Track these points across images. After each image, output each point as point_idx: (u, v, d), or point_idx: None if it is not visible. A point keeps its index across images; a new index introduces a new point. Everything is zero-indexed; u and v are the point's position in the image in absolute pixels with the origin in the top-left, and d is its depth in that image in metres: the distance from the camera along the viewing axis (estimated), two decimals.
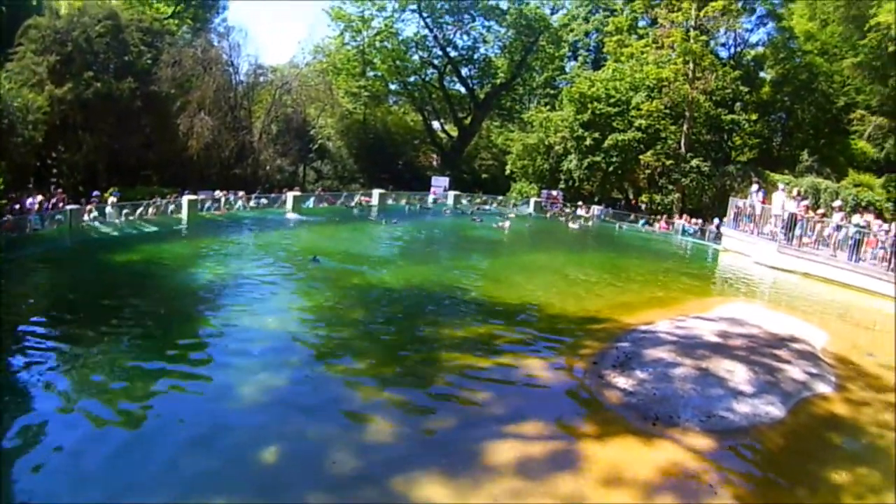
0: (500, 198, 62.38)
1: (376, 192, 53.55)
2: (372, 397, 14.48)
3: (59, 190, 39.90)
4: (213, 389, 14.42)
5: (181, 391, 14.28)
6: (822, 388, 16.76)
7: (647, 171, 59.23)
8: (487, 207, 58.54)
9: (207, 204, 43.32)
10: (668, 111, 58.72)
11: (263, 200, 47.49)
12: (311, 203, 50.51)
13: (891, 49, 49.37)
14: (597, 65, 72.77)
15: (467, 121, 78.23)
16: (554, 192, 61.12)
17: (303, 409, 13.63)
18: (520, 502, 10.88)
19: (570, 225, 51.41)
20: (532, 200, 59.91)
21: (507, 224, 45.10)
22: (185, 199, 39.97)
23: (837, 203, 39.85)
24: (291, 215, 44.45)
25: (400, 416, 13.55)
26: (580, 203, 59.29)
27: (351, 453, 11.94)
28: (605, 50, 68.29)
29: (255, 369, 15.33)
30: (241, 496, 10.67)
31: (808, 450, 13.80)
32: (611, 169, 59.10)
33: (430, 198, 59.11)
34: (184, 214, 38.78)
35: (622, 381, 15.91)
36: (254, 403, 13.69)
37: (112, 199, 38.94)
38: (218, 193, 46.70)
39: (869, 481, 12.49)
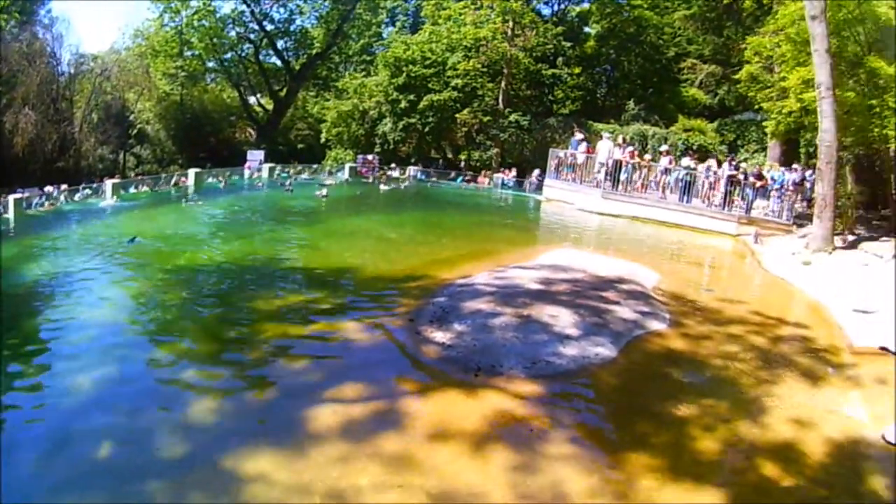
0: (315, 166, 61.71)
1: (192, 172, 52.43)
2: (197, 378, 13.70)
3: None
4: (41, 387, 13.40)
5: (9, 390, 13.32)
6: (656, 325, 16.74)
7: (465, 129, 59.96)
8: (304, 177, 58.01)
9: (35, 200, 41.56)
10: (485, 69, 60.09)
11: (87, 191, 45.69)
12: (131, 189, 49.18)
13: (726, 1, 51.07)
14: (415, 29, 73.61)
15: (283, 93, 78.82)
16: (370, 157, 61.34)
17: (130, 398, 12.76)
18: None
19: (382, 187, 51.12)
20: (347, 166, 59.74)
21: (324, 192, 44.65)
22: (11, 198, 38.22)
23: (664, 147, 40.87)
24: (109, 203, 42.92)
25: (225, 394, 12.85)
26: (393, 165, 59.54)
27: (180, 436, 11.22)
28: (423, 14, 69.33)
29: (82, 362, 14.27)
30: (76, 495, 9.89)
31: (646, 387, 13.68)
32: (426, 129, 60.12)
33: (246, 172, 58.34)
34: (10, 214, 37.12)
35: (440, 336, 15.43)
36: (82, 398, 12.72)
37: None
38: (49, 189, 45.16)
39: (717, 412, 12.42)
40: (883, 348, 15.99)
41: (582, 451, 10.97)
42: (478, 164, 60.32)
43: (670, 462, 10.72)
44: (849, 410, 12.97)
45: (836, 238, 27.71)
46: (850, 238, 28.91)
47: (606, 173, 36.66)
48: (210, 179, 53.48)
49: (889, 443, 11.50)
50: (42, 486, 10.11)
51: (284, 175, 56.47)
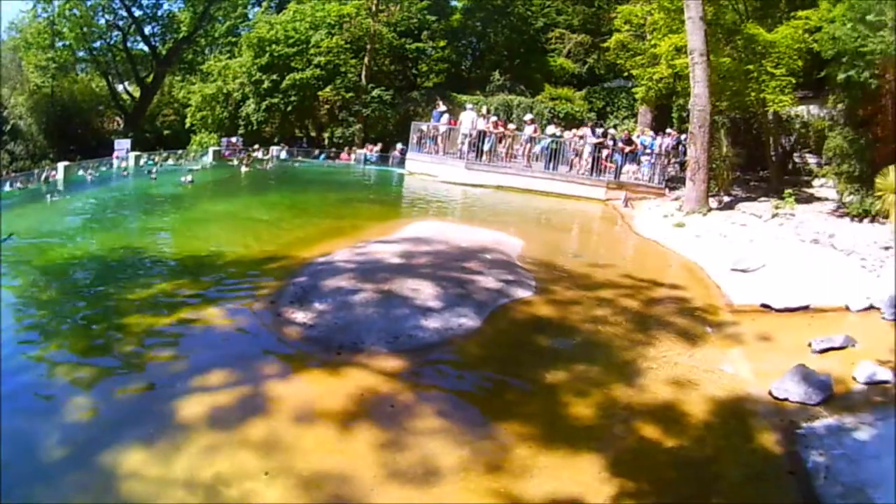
0: (180, 152, 60.98)
1: (61, 166, 51.36)
2: (67, 376, 13.22)
3: None
4: None
5: None
6: (522, 293, 16.72)
7: (328, 107, 59.88)
8: (170, 164, 57.27)
9: None
10: (348, 46, 60.21)
11: None
12: (6, 188, 48.01)
13: None
14: (281, 9, 72.91)
15: (149, 79, 77.73)
16: (233, 139, 60.92)
17: (6, 403, 12.41)
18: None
19: (243, 169, 50.63)
20: (211, 150, 58.94)
21: (189, 178, 44.03)
22: None
23: (528, 117, 41.09)
24: None
25: (94, 390, 12.36)
26: (256, 146, 58.84)
27: (57, 438, 10.77)
28: None
29: None
30: None
31: (514, 356, 13.55)
32: (289, 108, 60.03)
33: (114, 162, 57.39)
34: None
35: (301, 316, 15.11)
36: None
37: None
38: None
39: (589, 376, 12.28)
40: (764, 305, 16.19)
41: (451, 424, 10.72)
42: (341, 140, 60.11)
43: (544, 430, 10.52)
44: (730, 368, 13.00)
45: (711, 200, 28.10)
46: (727, 199, 29.40)
47: (470, 144, 36.81)
48: (80, 172, 52.69)
49: (776, 398, 11.51)
50: None
51: (150, 163, 55.39)
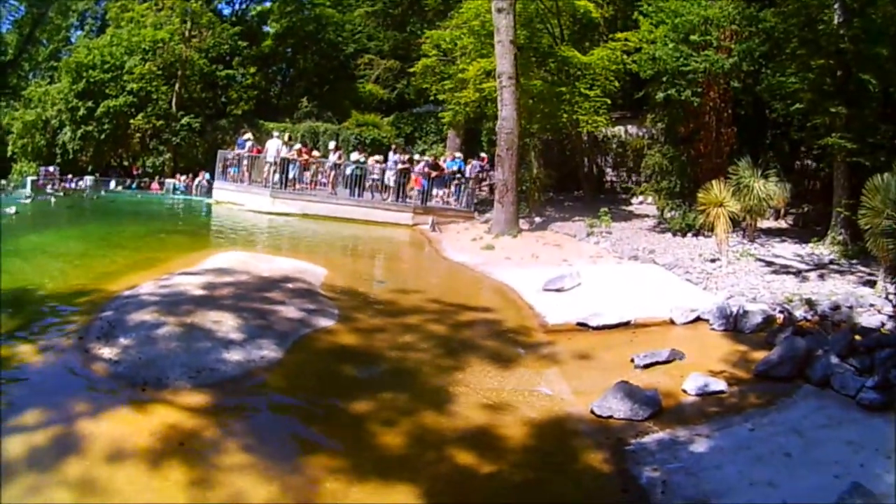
0: (2, 181, 59.28)
1: None
2: None
3: None
4: None
5: None
6: (324, 322, 16.76)
7: (139, 135, 59.49)
8: None
9: None
10: (160, 72, 60.02)
11: None
12: None
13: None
14: (102, 32, 71.77)
15: None
16: (51, 169, 59.70)
17: None
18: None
19: (52, 200, 49.36)
20: (29, 180, 57.57)
21: (13, 210, 42.82)
22: None
23: (332, 144, 41.59)
24: None
25: None
26: (70, 176, 58.00)
27: None
28: (108, 16, 68.87)
29: None
30: None
31: (317, 386, 13.53)
32: (103, 136, 59.29)
33: None
34: None
35: (107, 352, 14.65)
36: None
37: None
38: None
39: (397, 405, 12.28)
40: (580, 324, 16.34)
41: (258, 459, 10.55)
42: (152, 170, 59.50)
43: (353, 462, 10.44)
44: (547, 389, 13.03)
45: (522, 221, 28.49)
46: (539, 220, 29.95)
47: (275, 172, 36.89)
48: None
49: (599, 416, 11.55)
50: None
51: None
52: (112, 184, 57.04)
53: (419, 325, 16.51)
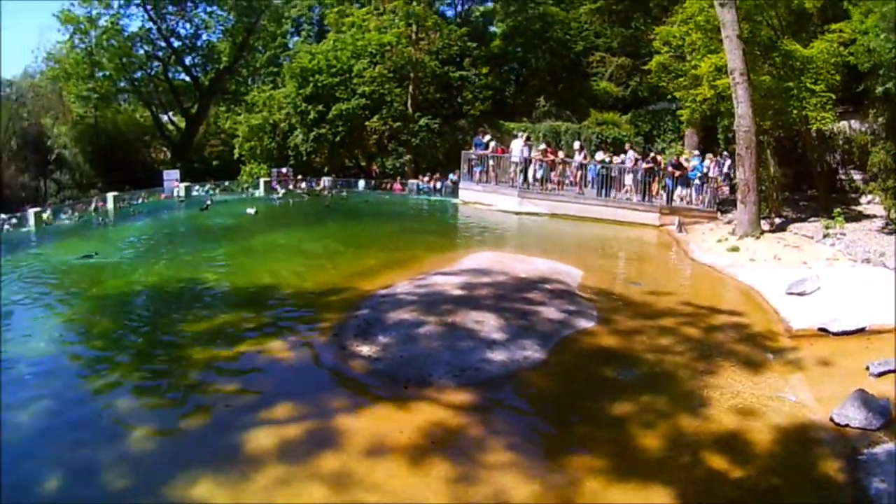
0: (226, 183, 60.85)
1: (110, 196, 51.49)
2: (129, 407, 13.34)
3: None
4: None
5: None
6: (584, 323, 16.75)
7: (376, 137, 59.55)
8: (220, 196, 57.25)
9: None
10: (392, 75, 59.57)
11: (13, 220, 44.61)
12: (63, 216, 48.44)
13: None
14: (320, 38, 72.85)
15: (193, 110, 77.16)
16: (283, 170, 60.57)
17: (67, 432, 12.41)
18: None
19: (291, 200, 50.50)
20: (262, 181, 58.58)
21: (254, 210, 43.86)
22: None
23: (577, 144, 40.86)
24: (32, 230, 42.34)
25: (158, 422, 12.54)
26: (300, 176, 58.85)
27: (121, 469, 10.90)
28: (326, 22, 69.20)
29: (15, 399, 14.01)
30: None
31: (580, 387, 13.55)
32: (338, 139, 59.34)
33: (174, 191, 57.54)
34: None
35: (366, 349, 15.25)
36: (24, 432, 12.45)
37: None
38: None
39: (656, 408, 12.35)
40: (822, 329, 16.09)
41: (521, 458, 10.81)
42: (391, 170, 59.35)
43: (613, 462, 10.60)
44: (792, 395, 12.90)
45: (763, 222, 27.83)
46: (778, 221, 29.16)
47: (521, 172, 36.45)
48: (128, 203, 52.89)
49: (838, 424, 11.44)
50: None
51: (209, 192, 56.05)
52: (361, 184, 57.52)
53: (673, 328, 16.57)
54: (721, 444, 11.07)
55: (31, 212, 44.30)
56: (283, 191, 55.44)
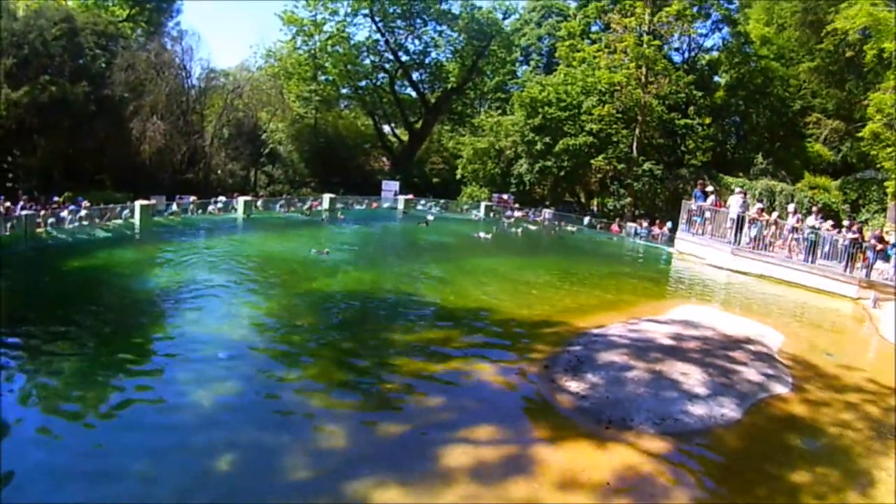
0: (442, 201, 62.10)
1: (326, 197, 53.01)
2: (324, 404, 14.21)
3: (25, 196, 39.26)
4: (166, 398, 14.02)
5: (134, 402, 13.82)
6: (779, 388, 16.70)
7: (599, 175, 59.54)
8: (438, 211, 58.07)
9: (161, 208, 42.78)
10: (619, 115, 59.15)
11: (219, 204, 46.90)
12: (278, 207, 50.33)
13: (848, 54, 50.09)
14: (549, 69, 73.24)
15: (418, 125, 78.45)
16: (505, 196, 61.25)
17: (255, 416, 13.37)
18: None
19: (516, 230, 50.66)
20: (483, 204, 59.39)
21: (488, 235, 44.21)
22: (138, 203, 39.13)
23: (791, 207, 40.13)
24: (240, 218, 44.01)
25: (352, 422, 13.31)
26: (517, 205, 59.90)
27: (304, 460, 11.75)
28: (557, 55, 68.97)
29: (207, 377, 14.93)
30: None
31: (766, 451, 13.66)
32: (562, 173, 59.60)
33: (383, 202, 58.73)
34: (137, 220, 38.02)
35: (574, 385, 15.73)
36: (206, 412, 13.32)
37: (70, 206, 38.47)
38: (189, 198, 46.79)
39: (829, 480, 12.43)
40: None
41: None
42: (611, 211, 59.32)
43: None
44: None
45: None
46: None
47: (736, 229, 36.12)
48: (344, 206, 54.23)
49: None
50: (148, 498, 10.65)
51: (431, 209, 57.30)
52: (585, 220, 56.90)
53: (857, 404, 16.36)
54: None
55: (241, 199, 46.00)
56: (512, 217, 55.58)
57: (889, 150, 38.26)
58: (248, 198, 49.55)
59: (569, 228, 54.33)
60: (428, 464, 11.83)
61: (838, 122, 59.94)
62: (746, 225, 35.61)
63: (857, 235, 33.34)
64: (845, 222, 36.79)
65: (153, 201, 42.79)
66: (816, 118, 61.83)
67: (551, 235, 51.38)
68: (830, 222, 36.45)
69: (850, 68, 54.53)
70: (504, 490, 11.21)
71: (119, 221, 38.32)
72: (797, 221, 35.62)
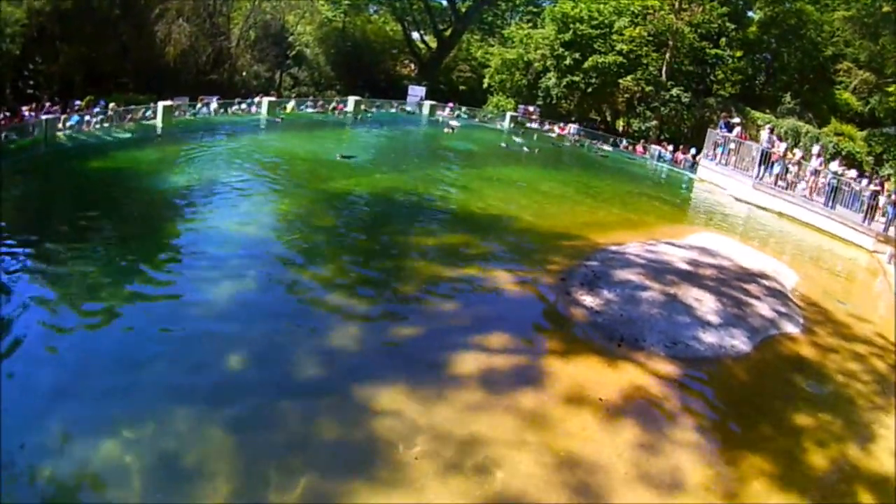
0: (465, 109, 61.41)
1: (352, 100, 52.37)
2: (339, 304, 14.20)
3: (48, 103, 38.82)
4: (184, 295, 14.15)
5: (153, 299, 13.96)
6: (790, 328, 16.64)
7: (626, 96, 58.79)
8: (464, 118, 57.54)
9: (182, 111, 42.08)
10: (651, 38, 58.31)
11: (244, 105, 46.39)
12: (306, 108, 49.96)
13: (885, 9, 49.16)
14: None
15: (447, 33, 76.60)
16: (531, 108, 60.52)
17: (270, 314, 13.40)
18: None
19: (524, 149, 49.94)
20: (508, 115, 59.15)
21: (525, 148, 44.23)
22: (161, 104, 38.53)
23: (816, 149, 39.73)
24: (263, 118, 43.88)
25: (366, 324, 13.35)
26: (535, 119, 59.66)
27: (315, 360, 11.78)
28: None
29: (225, 275, 14.96)
30: (203, 403, 10.47)
31: (772, 388, 13.74)
32: (589, 90, 58.62)
33: (408, 107, 58.27)
34: (159, 121, 37.55)
35: (589, 300, 15.73)
36: (223, 309, 13.42)
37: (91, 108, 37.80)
38: (213, 98, 45.66)
39: (832, 428, 12.42)
40: None
41: (705, 441, 11.30)
42: (636, 133, 58.42)
43: (781, 470, 10.91)
44: None
45: None
46: None
47: (761, 164, 35.76)
48: (373, 109, 53.90)
49: None
50: (164, 388, 10.77)
51: (457, 115, 56.69)
52: (609, 140, 56.29)
53: (865, 356, 16.25)
54: (874, 484, 11.11)
55: (266, 100, 45.71)
56: (530, 126, 55.86)
57: None
58: (273, 98, 49.10)
59: (605, 148, 54.09)
60: (437, 369, 11.91)
61: (869, 74, 58.45)
62: (769, 161, 35.31)
63: (878, 188, 33.06)
64: (867, 174, 36.34)
65: (176, 102, 42.15)
66: (848, 66, 60.40)
67: (573, 151, 51.51)
68: (854, 171, 36.14)
69: (885, 23, 53.61)
70: (512, 399, 11.27)
71: (141, 123, 37.50)
72: (820, 165, 35.32)
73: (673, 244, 21.97)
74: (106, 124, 35.40)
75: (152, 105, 39.19)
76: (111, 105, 37.39)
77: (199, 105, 43.81)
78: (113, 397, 10.35)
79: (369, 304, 14.46)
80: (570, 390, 11.83)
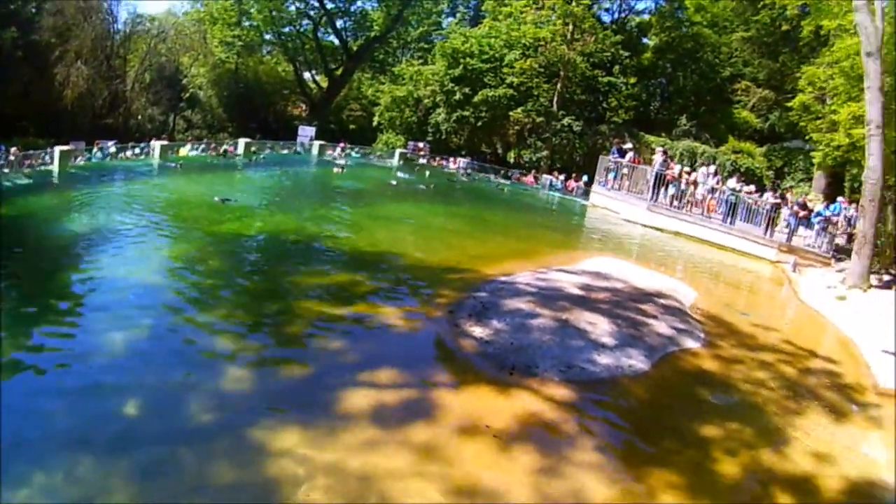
0: (356, 147, 61.87)
1: (242, 142, 52.47)
2: (230, 347, 13.85)
3: None
4: (75, 344, 13.52)
5: (44, 349, 13.28)
6: (690, 343, 16.77)
7: (517, 128, 59.74)
8: (354, 157, 58.01)
9: (79, 156, 41.68)
10: (542, 70, 59.74)
11: (136, 150, 45.69)
12: (189, 150, 49.63)
13: (784, 28, 50.81)
14: (475, 22, 73.24)
15: (338, 72, 77.71)
16: (420, 144, 61.36)
17: (163, 363, 12.90)
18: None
19: (427, 173, 50.73)
20: (398, 151, 59.81)
21: (394, 182, 44.37)
22: (58, 149, 38.22)
23: (712, 168, 40.56)
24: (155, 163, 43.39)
25: (257, 369, 13.02)
26: (423, 152, 60.52)
27: (209, 404, 11.42)
28: (483, 8, 69.12)
29: (118, 325, 14.41)
30: (97, 453, 9.98)
31: (675, 404, 13.74)
32: (479, 124, 59.94)
33: (298, 147, 58.45)
34: (55, 166, 37.16)
35: (478, 331, 15.58)
36: (115, 356, 12.88)
37: None
38: (109, 144, 45.17)
39: (741, 437, 12.44)
40: None
41: (606, 461, 11.10)
42: (528, 163, 59.57)
43: (691, 481, 10.79)
44: (868, 451, 12.88)
45: (872, 276, 27.37)
46: (887, 278, 28.55)
47: (655, 186, 36.25)
48: (263, 151, 53.92)
49: None
50: (61, 441, 10.19)
51: (347, 154, 56.96)
52: (498, 172, 57.57)
53: (771, 364, 16.55)
54: (792, 485, 11.12)
55: (158, 144, 45.32)
56: (418, 166, 55.97)
57: (818, 122, 38.69)
58: (165, 142, 48.63)
59: (502, 181, 55.19)
60: (328, 407, 11.65)
61: (768, 92, 60.42)
62: (664, 182, 35.82)
63: (779, 200, 33.68)
64: (768, 188, 37.23)
65: (72, 146, 41.70)
66: (746, 86, 62.36)
67: (463, 184, 51.47)
68: (752, 186, 36.90)
69: (785, 41, 55.03)
70: (404, 434, 11.05)
71: (37, 169, 37.00)
72: (717, 183, 35.89)
73: (565, 271, 22.10)
74: (6, 170, 34.58)
75: (49, 150, 38.44)
76: (12, 150, 36.73)
77: (94, 150, 43.40)
78: (20, 448, 9.93)
79: (259, 347, 14.15)
80: (463, 421, 11.61)
